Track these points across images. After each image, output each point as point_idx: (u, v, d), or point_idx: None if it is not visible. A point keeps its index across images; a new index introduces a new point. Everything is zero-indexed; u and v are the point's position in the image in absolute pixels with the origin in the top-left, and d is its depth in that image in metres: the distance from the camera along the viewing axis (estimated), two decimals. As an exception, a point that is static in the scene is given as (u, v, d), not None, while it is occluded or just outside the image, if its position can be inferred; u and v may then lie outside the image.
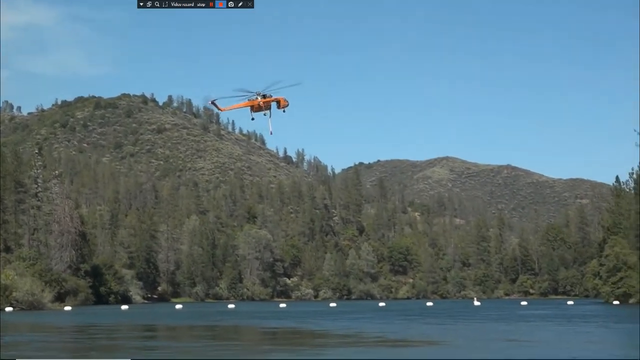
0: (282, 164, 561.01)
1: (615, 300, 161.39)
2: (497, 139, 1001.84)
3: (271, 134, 60.49)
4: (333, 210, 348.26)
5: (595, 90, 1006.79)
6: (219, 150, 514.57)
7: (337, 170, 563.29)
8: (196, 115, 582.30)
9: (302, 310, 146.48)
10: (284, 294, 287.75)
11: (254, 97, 57.62)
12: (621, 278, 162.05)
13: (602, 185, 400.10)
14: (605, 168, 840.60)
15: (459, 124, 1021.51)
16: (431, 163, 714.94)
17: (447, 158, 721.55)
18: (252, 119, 58.18)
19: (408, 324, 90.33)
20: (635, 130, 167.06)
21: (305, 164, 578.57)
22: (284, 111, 58.99)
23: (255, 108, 57.86)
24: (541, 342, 58.26)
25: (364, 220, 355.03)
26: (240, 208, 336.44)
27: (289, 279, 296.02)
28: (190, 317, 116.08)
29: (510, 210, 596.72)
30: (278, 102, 58.33)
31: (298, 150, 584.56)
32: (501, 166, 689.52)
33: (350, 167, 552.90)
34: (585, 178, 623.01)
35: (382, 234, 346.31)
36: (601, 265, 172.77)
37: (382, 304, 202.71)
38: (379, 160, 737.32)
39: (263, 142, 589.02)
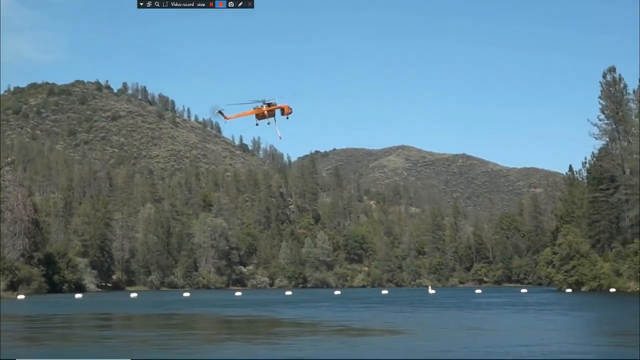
0: (238, 152, 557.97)
1: (568, 288, 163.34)
2: (453, 128, 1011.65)
3: (280, 138, 62.21)
4: (289, 199, 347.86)
5: (549, 79, 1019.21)
6: (174, 138, 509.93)
7: (293, 159, 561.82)
8: (151, 102, 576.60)
9: (259, 299, 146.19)
10: (240, 282, 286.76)
11: (259, 106, 58.80)
12: (574, 266, 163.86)
13: (555, 174, 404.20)
14: (559, 157, 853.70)
15: (414, 113, 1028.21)
16: (387, 152, 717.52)
17: (402, 147, 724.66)
18: (257, 124, 60.07)
19: (368, 312, 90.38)
20: (588, 120, 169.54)
21: (261, 152, 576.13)
22: (287, 118, 60.51)
23: (260, 116, 59.37)
24: (505, 330, 58.36)
25: (320, 208, 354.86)
26: (195, 196, 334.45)
27: (245, 267, 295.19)
28: (146, 306, 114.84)
29: (465, 199, 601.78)
30: (282, 109, 60.12)
31: (254, 138, 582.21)
32: (456, 155, 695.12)
33: (306, 156, 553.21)
34: (539, 167, 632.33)
35: (338, 223, 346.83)
36: (554, 253, 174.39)
37: (337, 292, 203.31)
38: (334, 149, 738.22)
39: (219, 130, 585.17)
